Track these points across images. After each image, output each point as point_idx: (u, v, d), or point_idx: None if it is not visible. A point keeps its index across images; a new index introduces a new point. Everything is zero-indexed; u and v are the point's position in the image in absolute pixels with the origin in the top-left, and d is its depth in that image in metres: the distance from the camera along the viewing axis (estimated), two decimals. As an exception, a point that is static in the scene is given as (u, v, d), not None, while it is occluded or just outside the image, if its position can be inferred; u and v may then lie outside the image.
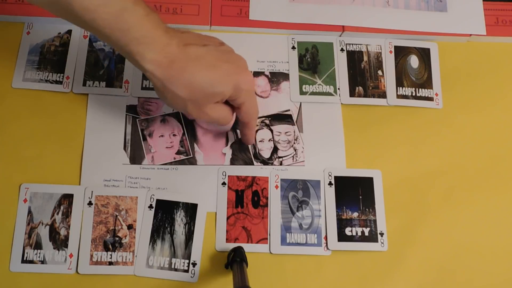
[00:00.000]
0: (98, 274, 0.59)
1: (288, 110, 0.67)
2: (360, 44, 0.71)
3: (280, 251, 0.61)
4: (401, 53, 0.71)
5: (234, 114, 0.60)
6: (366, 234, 0.62)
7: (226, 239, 0.61)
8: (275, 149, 0.65)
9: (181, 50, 0.53)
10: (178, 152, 0.64)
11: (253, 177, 0.64)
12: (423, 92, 0.69)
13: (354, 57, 0.70)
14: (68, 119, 0.65)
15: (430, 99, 0.69)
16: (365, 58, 0.70)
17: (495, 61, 0.71)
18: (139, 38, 0.51)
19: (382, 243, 0.62)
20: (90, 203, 0.61)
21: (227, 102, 0.58)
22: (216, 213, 0.62)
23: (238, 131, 0.65)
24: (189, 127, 0.65)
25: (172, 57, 0.52)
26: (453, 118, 0.68)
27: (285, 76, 0.69)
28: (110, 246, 0.60)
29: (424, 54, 0.71)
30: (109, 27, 0.50)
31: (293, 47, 0.70)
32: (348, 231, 0.62)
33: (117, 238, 0.60)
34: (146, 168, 0.63)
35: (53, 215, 0.60)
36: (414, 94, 0.69)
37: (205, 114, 0.56)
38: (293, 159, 0.65)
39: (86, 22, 0.50)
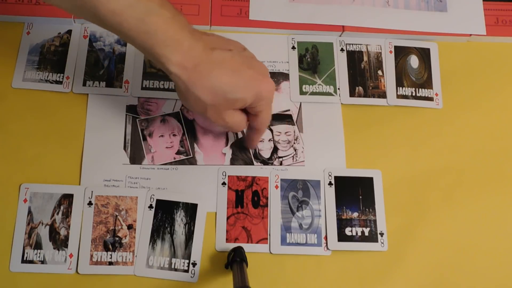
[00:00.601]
0: (98, 274, 0.59)
1: (288, 110, 0.67)
2: (360, 44, 0.71)
3: (280, 251, 0.61)
4: (401, 53, 0.71)
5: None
6: (366, 234, 0.62)
7: (226, 239, 0.61)
8: (275, 149, 0.65)
9: (207, 53, 0.52)
10: (178, 152, 0.64)
11: (253, 177, 0.64)
12: (423, 92, 0.69)
13: (354, 57, 0.70)
14: (68, 119, 0.65)
15: (430, 99, 0.69)
16: (365, 58, 0.70)
17: (495, 61, 0.71)
18: (164, 40, 0.50)
19: (382, 243, 0.62)
20: (90, 203, 0.61)
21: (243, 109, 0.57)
22: (216, 213, 0.62)
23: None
24: (189, 127, 0.65)
25: (197, 60, 0.52)
26: (453, 118, 0.68)
27: (285, 76, 0.69)
28: (110, 246, 0.60)
29: (424, 54, 0.71)
30: (135, 30, 0.50)
31: (293, 47, 0.70)
32: (348, 231, 0.62)
33: (117, 238, 0.60)
34: (146, 168, 0.63)
35: (53, 215, 0.60)
36: (414, 94, 0.69)
37: (223, 120, 0.56)
38: (293, 159, 0.65)
39: (112, 25, 0.50)
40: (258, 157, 0.65)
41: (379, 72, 0.70)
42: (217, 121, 0.56)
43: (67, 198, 0.61)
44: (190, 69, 0.52)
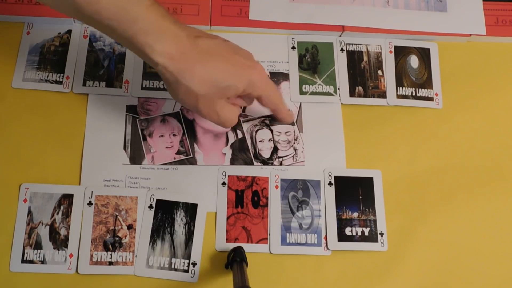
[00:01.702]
0: (98, 274, 0.59)
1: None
2: (360, 44, 0.71)
3: (280, 251, 0.61)
4: (401, 53, 0.71)
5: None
6: (366, 234, 0.62)
7: (226, 239, 0.61)
8: (275, 149, 0.65)
9: (192, 41, 0.51)
10: (178, 152, 0.64)
11: (253, 177, 0.64)
12: (423, 92, 0.69)
13: (354, 57, 0.70)
14: (68, 119, 0.65)
15: (430, 99, 0.69)
16: (365, 58, 0.70)
17: (495, 61, 0.71)
18: (146, 28, 0.49)
19: (382, 243, 0.62)
20: (90, 203, 0.61)
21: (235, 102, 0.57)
22: (216, 213, 0.62)
23: (238, 131, 0.65)
24: (189, 127, 0.65)
25: (183, 49, 0.50)
26: (453, 118, 0.68)
27: (285, 76, 0.69)
28: (110, 246, 0.60)
29: (424, 54, 0.71)
30: (114, 18, 0.48)
31: (293, 47, 0.70)
32: (348, 231, 0.62)
33: (117, 238, 0.60)
34: (146, 168, 0.63)
35: (53, 215, 0.60)
36: (414, 94, 0.69)
37: (215, 112, 0.54)
38: (293, 159, 0.65)
39: (90, 15, 0.49)
40: (258, 157, 0.65)
41: (379, 72, 0.70)
42: (210, 114, 0.55)
43: (67, 198, 0.61)
44: (177, 59, 0.50)
